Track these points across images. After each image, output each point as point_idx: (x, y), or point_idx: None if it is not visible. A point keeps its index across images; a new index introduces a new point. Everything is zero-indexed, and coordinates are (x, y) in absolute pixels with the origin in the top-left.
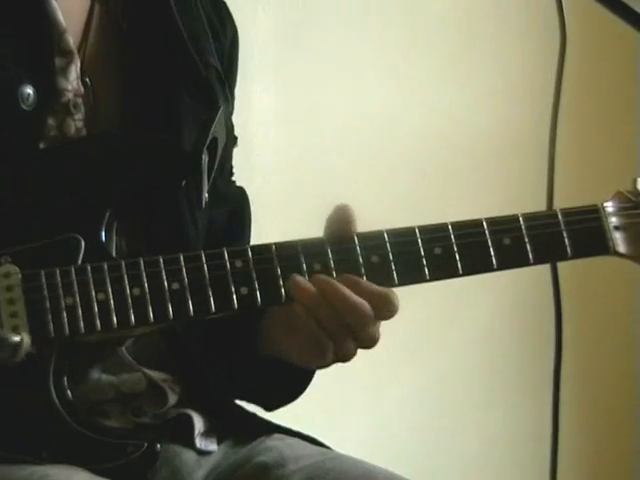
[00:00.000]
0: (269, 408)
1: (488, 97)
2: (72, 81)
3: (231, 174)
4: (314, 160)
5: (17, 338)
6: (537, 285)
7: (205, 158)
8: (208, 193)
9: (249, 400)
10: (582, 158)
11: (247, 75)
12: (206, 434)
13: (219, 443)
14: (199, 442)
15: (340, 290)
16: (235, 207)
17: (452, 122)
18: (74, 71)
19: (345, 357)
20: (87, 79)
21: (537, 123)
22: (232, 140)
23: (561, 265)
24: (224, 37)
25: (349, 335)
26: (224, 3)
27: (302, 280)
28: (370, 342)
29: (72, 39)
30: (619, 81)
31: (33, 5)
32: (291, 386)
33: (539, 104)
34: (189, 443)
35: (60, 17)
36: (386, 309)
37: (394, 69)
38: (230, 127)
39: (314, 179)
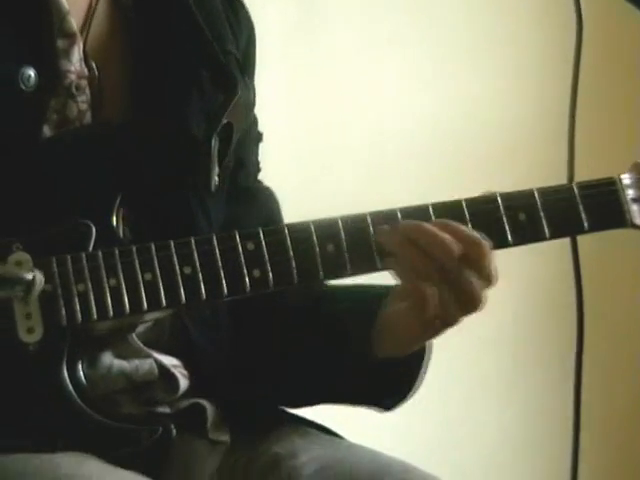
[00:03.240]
0: (388, 407)
1: (502, 89)
2: (75, 63)
3: (258, 170)
4: (321, 154)
5: (30, 276)
6: (558, 279)
7: (215, 143)
8: (219, 178)
9: (364, 403)
10: (603, 149)
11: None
12: (219, 424)
13: (231, 433)
14: (212, 432)
15: (423, 226)
16: (267, 211)
17: (466, 114)
18: (77, 53)
19: (449, 318)
20: (92, 62)
21: (554, 115)
22: (255, 135)
23: (583, 262)
24: (239, 32)
25: (446, 281)
26: (241, 2)
27: (385, 230)
28: (473, 300)
29: (75, 21)
30: (637, 62)
31: None
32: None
33: (555, 94)
34: (202, 433)
35: None
36: (475, 253)
37: (405, 62)
38: (252, 120)
39: (322, 173)
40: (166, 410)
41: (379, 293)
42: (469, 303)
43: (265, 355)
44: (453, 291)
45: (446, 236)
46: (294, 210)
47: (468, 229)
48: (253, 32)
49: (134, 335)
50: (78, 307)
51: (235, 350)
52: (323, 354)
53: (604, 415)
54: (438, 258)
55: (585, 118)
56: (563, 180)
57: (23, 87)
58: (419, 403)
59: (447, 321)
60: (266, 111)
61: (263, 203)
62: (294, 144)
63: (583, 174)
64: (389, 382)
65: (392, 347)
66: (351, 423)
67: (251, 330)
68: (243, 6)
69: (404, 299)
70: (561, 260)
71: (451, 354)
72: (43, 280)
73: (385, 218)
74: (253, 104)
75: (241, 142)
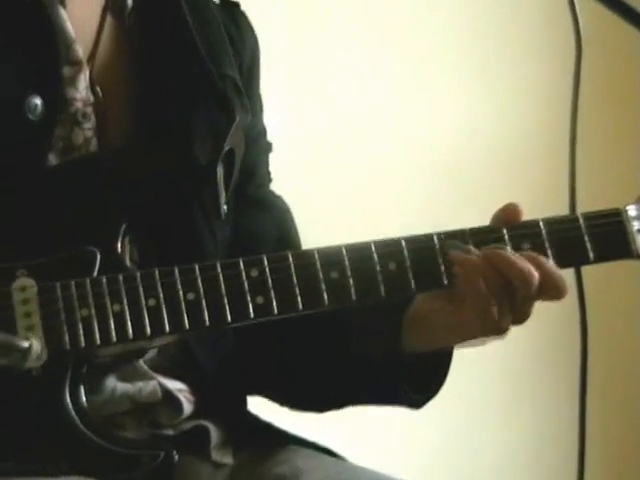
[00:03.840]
0: (418, 404)
1: (505, 105)
2: (81, 90)
3: (269, 180)
4: (325, 165)
5: (26, 344)
6: None
7: (220, 170)
8: (228, 203)
9: (388, 402)
10: (604, 164)
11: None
12: (222, 446)
13: (235, 455)
14: (215, 454)
15: (508, 255)
16: (283, 222)
17: (469, 129)
18: (83, 80)
19: (502, 329)
20: (98, 88)
21: (555, 130)
22: (264, 146)
23: (586, 279)
24: (242, 48)
25: (510, 302)
26: (243, 14)
27: (461, 254)
28: (524, 317)
29: (81, 49)
30: (637, 85)
31: (41, 15)
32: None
33: (556, 112)
34: (205, 455)
35: (69, 27)
36: (553, 283)
37: (410, 77)
38: (260, 132)
39: (325, 183)
40: (169, 432)
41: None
42: (522, 320)
43: (282, 361)
44: (514, 307)
45: (527, 265)
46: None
47: (551, 263)
48: (257, 44)
49: (140, 360)
50: (82, 332)
51: (242, 364)
52: (349, 351)
53: (609, 434)
54: (518, 286)
55: (586, 137)
56: (564, 198)
57: (29, 116)
58: (420, 424)
59: (501, 329)
60: (269, 121)
61: (277, 213)
62: (296, 155)
63: (584, 190)
64: (420, 377)
65: (422, 345)
66: (353, 444)
67: (263, 338)
68: (245, 18)
69: (445, 302)
70: (565, 277)
71: (454, 364)
72: (39, 348)
73: (388, 245)
74: (261, 113)
75: (250, 153)
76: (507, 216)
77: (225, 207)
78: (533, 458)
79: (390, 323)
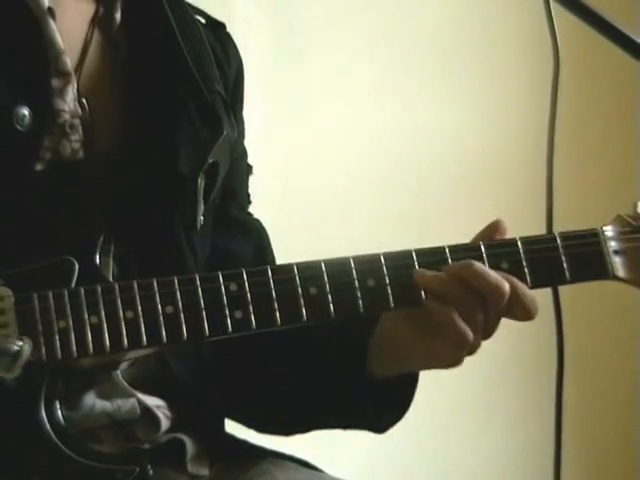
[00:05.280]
0: (382, 429)
1: (484, 116)
2: (69, 102)
3: (249, 202)
4: (306, 177)
5: (16, 347)
6: (538, 296)
7: (201, 182)
8: (205, 217)
9: (358, 426)
10: (581, 178)
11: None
12: (198, 458)
13: (210, 467)
14: (191, 466)
15: (479, 268)
16: (260, 243)
17: (446, 141)
18: (71, 92)
19: (474, 349)
20: (84, 100)
21: (533, 143)
22: (245, 168)
23: (563, 287)
24: (228, 67)
25: (484, 319)
26: (228, 34)
27: (424, 271)
28: (491, 333)
29: (69, 60)
30: (617, 100)
31: (31, 26)
32: (402, 399)
33: (536, 125)
34: (181, 467)
35: (58, 38)
36: (524, 309)
37: (389, 88)
38: (242, 154)
39: (307, 195)
40: (145, 446)
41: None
42: (488, 336)
43: (253, 382)
44: (485, 326)
45: (497, 276)
46: (277, 233)
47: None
48: (241, 65)
49: (119, 373)
50: (58, 344)
51: (218, 379)
52: (317, 375)
53: (586, 442)
54: (489, 300)
55: (564, 152)
56: (541, 212)
57: (17, 126)
58: (396, 434)
59: (472, 350)
60: (251, 136)
61: (255, 235)
62: (277, 167)
63: (561, 204)
64: (385, 402)
65: (389, 367)
66: (330, 456)
67: (236, 359)
68: (231, 39)
69: (413, 323)
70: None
71: (427, 382)
72: (29, 350)
73: (367, 261)
74: (243, 136)
75: (232, 174)
76: (492, 233)
77: (202, 219)
78: (508, 469)
79: (356, 345)
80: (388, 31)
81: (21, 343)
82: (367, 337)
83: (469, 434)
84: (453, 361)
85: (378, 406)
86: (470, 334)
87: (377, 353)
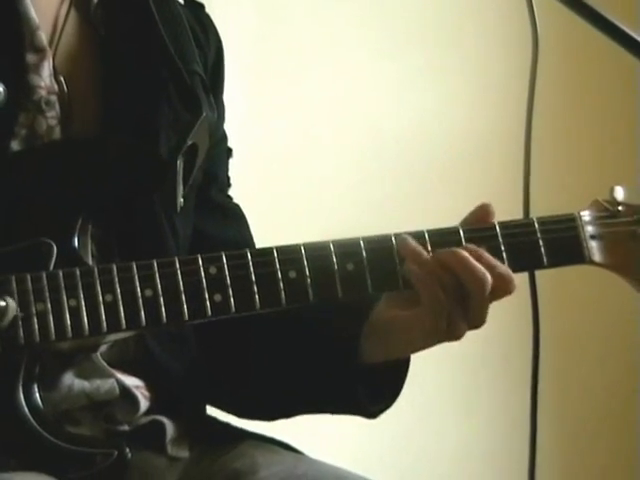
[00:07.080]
0: (373, 414)
1: (465, 101)
2: (45, 78)
3: (228, 185)
4: (291, 162)
5: (2, 303)
6: (516, 293)
7: (180, 163)
8: (184, 198)
9: (348, 411)
10: (559, 163)
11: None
12: (177, 440)
13: (191, 449)
14: (170, 448)
15: (460, 254)
16: (240, 226)
17: (429, 125)
18: (47, 68)
19: (456, 335)
20: (62, 78)
21: (511, 132)
22: (225, 151)
23: (539, 275)
24: (208, 49)
25: (464, 307)
26: (207, 15)
27: (411, 246)
28: (480, 321)
29: (45, 36)
30: (595, 84)
31: (5, 1)
32: (393, 384)
33: (516, 111)
34: (160, 449)
35: (33, 14)
36: (504, 286)
37: (371, 74)
38: (222, 137)
39: (292, 182)
40: (124, 428)
41: (366, 300)
42: (478, 324)
43: (239, 365)
44: (468, 312)
45: (482, 269)
46: (261, 221)
47: (503, 266)
48: (221, 47)
49: (98, 354)
50: (37, 327)
51: (200, 363)
52: (307, 359)
53: (560, 426)
54: (471, 289)
55: (543, 136)
56: (519, 199)
57: None
58: (376, 420)
59: (455, 335)
60: (234, 120)
61: (235, 220)
62: (262, 154)
63: (538, 190)
64: (377, 388)
65: (382, 352)
66: (311, 439)
67: (221, 341)
68: (211, 22)
69: (408, 308)
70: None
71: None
72: (16, 307)
73: (347, 245)
74: (223, 120)
75: (213, 157)
76: (484, 216)
77: (182, 200)
78: (485, 456)
79: (350, 329)
80: (370, 17)
81: (6, 301)
82: (361, 322)
83: (450, 418)
84: (434, 329)
85: (371, 391)
86: (443, 296)
87: (370, 336)
